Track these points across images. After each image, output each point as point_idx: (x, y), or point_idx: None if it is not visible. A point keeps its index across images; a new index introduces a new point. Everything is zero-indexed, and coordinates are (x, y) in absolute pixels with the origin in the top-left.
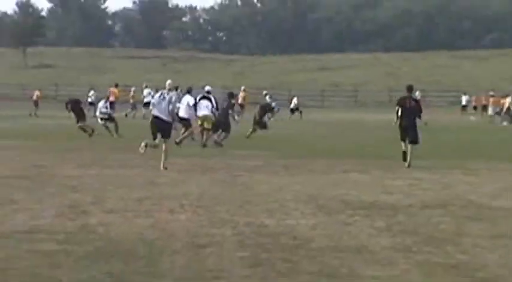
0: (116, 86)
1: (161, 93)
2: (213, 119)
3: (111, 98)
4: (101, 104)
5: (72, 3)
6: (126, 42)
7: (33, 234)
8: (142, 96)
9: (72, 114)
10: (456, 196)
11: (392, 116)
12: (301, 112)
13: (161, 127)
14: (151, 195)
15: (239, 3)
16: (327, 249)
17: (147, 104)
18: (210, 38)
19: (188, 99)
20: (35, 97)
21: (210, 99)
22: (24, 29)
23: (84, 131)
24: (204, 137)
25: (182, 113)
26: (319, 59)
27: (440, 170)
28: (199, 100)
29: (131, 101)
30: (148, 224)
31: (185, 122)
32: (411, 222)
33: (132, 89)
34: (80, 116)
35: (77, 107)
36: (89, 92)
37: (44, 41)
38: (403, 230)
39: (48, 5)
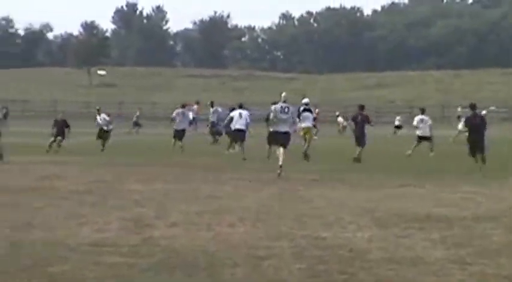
0: (197, 103)
1: (282, 107)
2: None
3: (192, 115)
4: (100, 118)
5: (135, 25)
6: (186, 62)
7: (99, 247)
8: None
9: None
10: (508, 208)
11: (449, 132)
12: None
13: (283, 138)
14: (212, 209)
15: (296, 23)
16: (383, 261)
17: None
18: (267, 57)
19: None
20: (134, 118)
21: (311, 111)
22: (89, 50)
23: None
24: (305, 145)
25: (239, 125)
26: (374, 76)
27: (493, 183)
28: (302, 112)
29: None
30: (210, 236)
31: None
32: (465, 235)
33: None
34: (60, 134)
35: (59, 126)
36: (137, 112)
37: (108, 61)
38: (457, 242)
39: (112, 26)
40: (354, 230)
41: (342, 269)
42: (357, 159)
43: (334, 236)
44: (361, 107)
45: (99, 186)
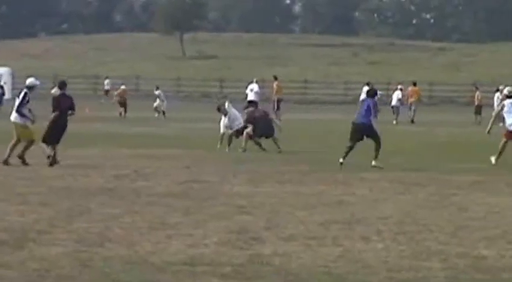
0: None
1: None
2: None
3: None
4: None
5: None
6: (307, 27)
7: (193, 267)
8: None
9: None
10: None
11: None
12: None
13: None
14: (340, 218)
15: None
16: None
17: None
18: (414, 21)
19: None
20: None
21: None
22: (181, 11)
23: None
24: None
25: None
26: None
27: None
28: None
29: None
30: (337, 254)
31: None
32: None
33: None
34: None
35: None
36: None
37: (206, 26)
38: None
39: None
40: None
41: None
42: None
43: (499, 255)
44: None
45: (195, 187)
